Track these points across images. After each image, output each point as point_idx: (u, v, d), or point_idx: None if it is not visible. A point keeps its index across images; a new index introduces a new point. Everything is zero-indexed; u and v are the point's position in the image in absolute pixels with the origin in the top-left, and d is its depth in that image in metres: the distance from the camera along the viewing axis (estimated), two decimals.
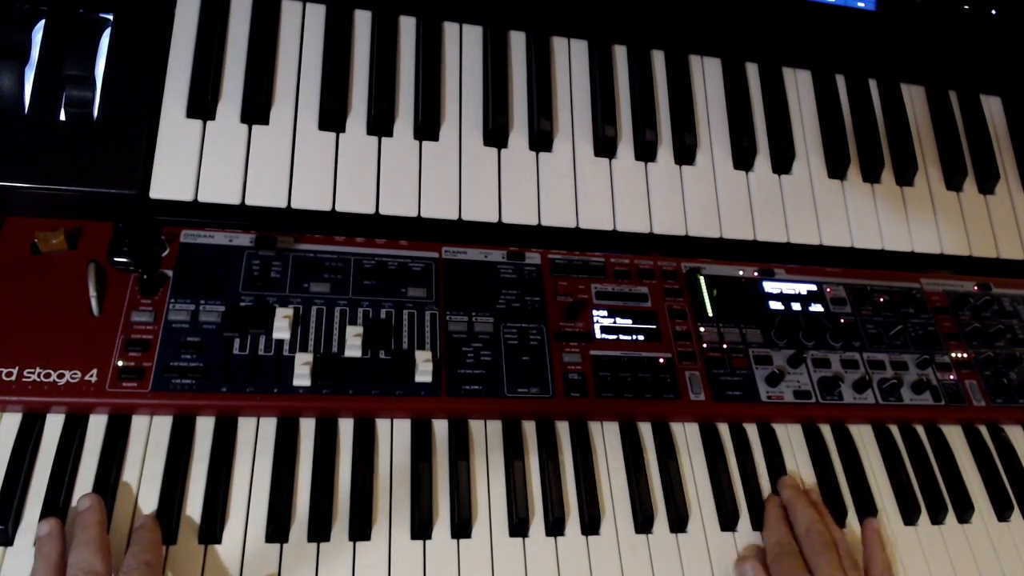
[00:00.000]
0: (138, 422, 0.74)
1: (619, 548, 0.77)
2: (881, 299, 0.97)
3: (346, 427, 0.78)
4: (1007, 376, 0.95)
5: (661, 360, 0.86)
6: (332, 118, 0.79)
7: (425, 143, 0.82)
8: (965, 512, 0.88)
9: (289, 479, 0.73)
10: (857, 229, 0.91)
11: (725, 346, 0.89)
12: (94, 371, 0.73)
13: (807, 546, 0.76)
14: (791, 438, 0.88)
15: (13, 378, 0.71)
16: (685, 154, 0.89)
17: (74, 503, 0.69)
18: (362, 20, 0.85)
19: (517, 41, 0.89)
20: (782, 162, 0.92)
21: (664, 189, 0.87)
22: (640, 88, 0.90)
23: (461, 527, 0.74)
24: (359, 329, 0.80)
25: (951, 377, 0.94)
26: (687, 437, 0.85)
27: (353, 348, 0.79)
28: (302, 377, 0.76)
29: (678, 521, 0.79)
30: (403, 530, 0.73)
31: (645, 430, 0.84)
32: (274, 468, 0.74)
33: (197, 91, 0.76)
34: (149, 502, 0.70)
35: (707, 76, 0.94)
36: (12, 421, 0.72)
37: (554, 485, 0.78)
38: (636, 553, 0.76)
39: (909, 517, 0.86)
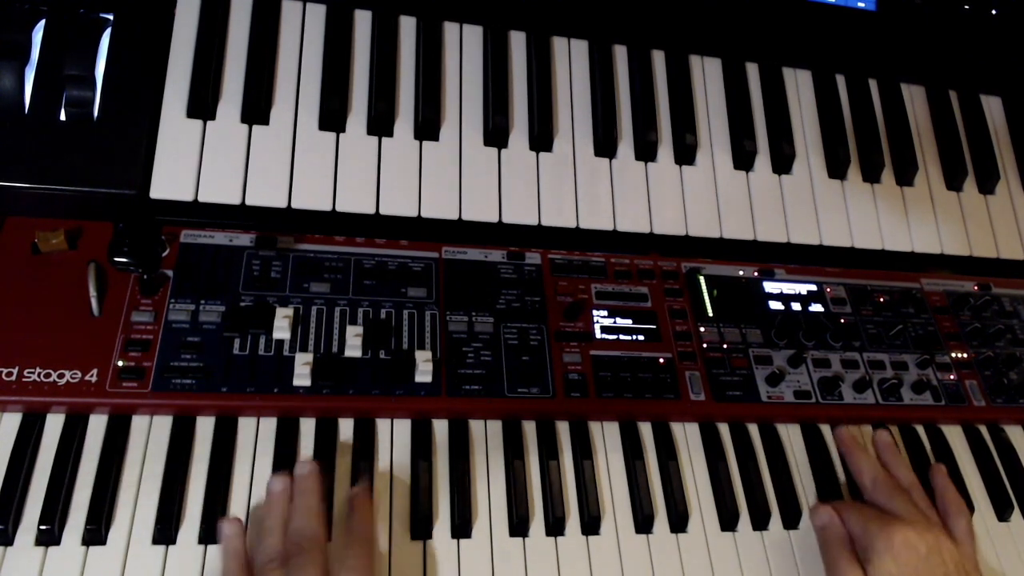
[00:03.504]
0: (138, 422, 0.74)
1: (619, 548, 0.77)
2: (881, 299, 0.97)
3: (346, 427, 0.78)
4: (1007, 376, 0.95)
5: (661, 360, 0.86)
6: (332, 118, 0.79)
7: (425, 143, 0.82)
8: None
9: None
10: (857, 229, 0.91)
11: (725, 346, 0.89)
12: (94, 371, 0.73)
13: (879, 494, 0.81)
14: (791, 438, 0.88)
15: (13, 378, 0.71)
16: (685, 154, 0.89)
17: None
18: (362, 20, 0.85)
19: (517, 41, 0.89)
20: (782, 162, 0.92)
21: (664, 189, 0.87)
22: (640, 88, 0.90)
23: (461, 527, 0.74)
24: (359, 329, 0.80)
25: (951, 377, 0.94)
26: (687, 437, 0.85)
27: (353, 348, 0.79)
28: (302, 377, 0.76)
29: (678, 521, 0.79)
30: (403, 530, 0.73)
31: (645, 430, 0.84)
32: (274, 468, 0.73)
33: (197, 91, 0.76)
34: (149, 502, 0.70)
35: (707, 76, 0.94)
36: (12, 421, 0.72)
37: (554, 485, 0.78)
38: (636, 553, 0.76)
39: None
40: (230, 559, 0.67)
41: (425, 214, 0.79)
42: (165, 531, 0.69)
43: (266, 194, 0.76)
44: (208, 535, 0.69)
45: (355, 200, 0.78)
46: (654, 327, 0.88)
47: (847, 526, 0.78)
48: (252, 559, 0.67)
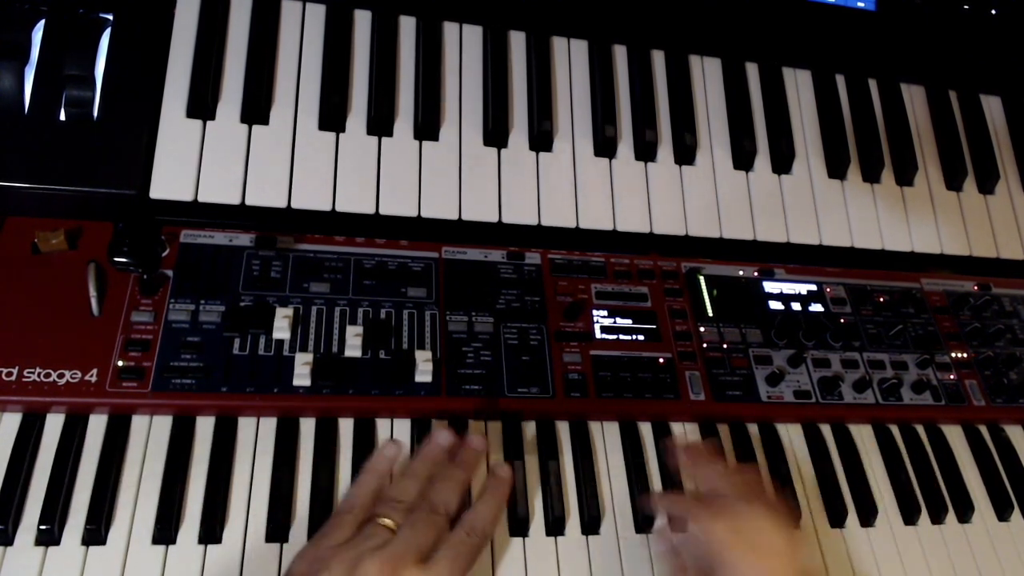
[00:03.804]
0: (138, 422, 0.74)
1: (619, 548, 0.76)
2: (881, 299, 0.97)
3: (346, 427, 0.78)
4: (1007, 376, 0.95)
5: (661, 360, 0.86)
6: (332, 118, 0.79)
7: (425, 143, 0.82)
8: (965, 512, 0.88)
9: (289, 479, 0.73)
10: (857, 229, 0.91)
11: (725, 346, 0.89)
12: (94, 371, 0.73)
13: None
14: (791, 438, 0.88)
15: (13, 378, 0.71)
16: (685, 154, 0.89)
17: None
18: (362, 20, 0.85)
19: (517, 41, 0.89)
20: (782, 162, 0.92)
21: (664, 189, 0.87)
22: (640, 88, 0.90)
23: None
24: (359, 329, 0.80)
25: (951, 377, 0.94)
26: (687, 437, 0.85)
27: (353, 348, 0.79)
28: (302, 377, 0.76)
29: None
30: None
31: (645, 430, 0.84)
32: (274, 468, 0.73)
33: (197, 91, 0.76)
34: (149, 502, 0.70)
35: (707, 76, 0.94)
36: (12, 421, 0.72)
37: (554, 485, 0.78)
38: (636, 553, 0.76)
39: (909, 517, 0.86)
40: (369, 475, 0.69)
41: (425, 214, 0.79)
42: (165, 531, 0.68)
43: (266, 194, 0.76)
44: (208, 535, 0.69)
45: (355, 200, 0.78)
46: (654, 327, 0.88)
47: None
48: (381, 493, 0.67)
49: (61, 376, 0.72)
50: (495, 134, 0.84)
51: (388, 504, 0.65)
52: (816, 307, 0.94)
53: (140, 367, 0.74)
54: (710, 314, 0.91)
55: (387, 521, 0.63)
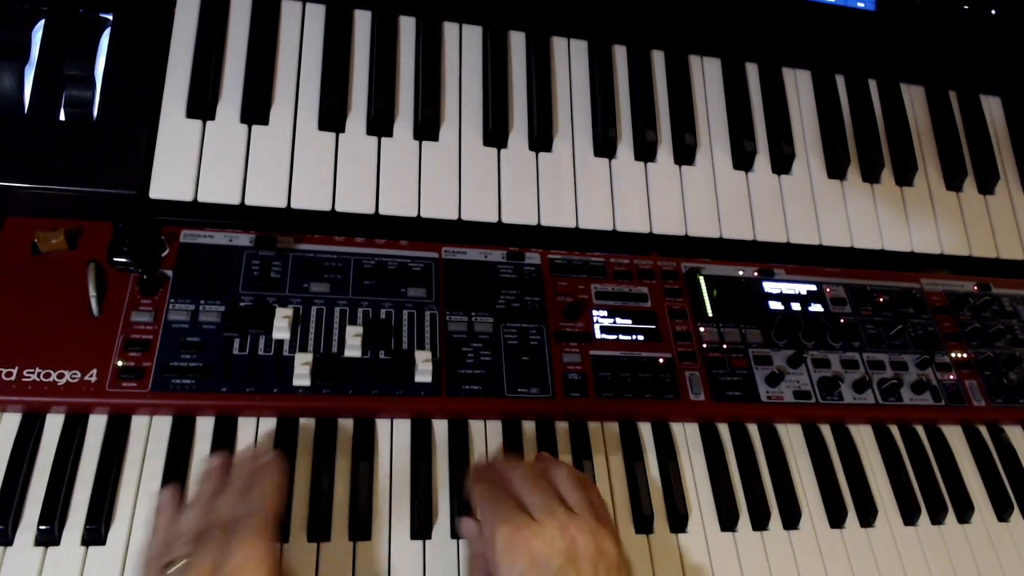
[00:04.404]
0: (138, 422, 0.74)
1: None
2: (881, 299, 0.97)
3: (346, 427, 0.78)
4: (1007, 376, 0.95)
5: (661, 360, 0.86)
6: (332, 118, 0.79)
7: (425, 143, 0.82)
8: (965, 512, 0.88)
9: (289, 479, 0.73)
10: (857, 229, 0.91)
11: (725, 346, 0.89)
12: (94, 371, 0.73)
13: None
14: (791, 438, 0.88)
15: (13, 378, 0.71)
16: (685, 154, 0.89)
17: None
18: (362, 20, 0.85)
19: (517, 41, 0.89)
20: (782, 162, 0.92)
21: (664, 189, 0.87)
22: (640, 88, 0.90)
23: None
24: (359, 329, 0.80)
25: (951, 377, 0.94)
26: (687, 437, 0.85)
27: (353, 348, 0.79)
28: (302, 377, 0.76)
29: (678, 521, 0.79)
30: (403, 530, 0.73)
31: (645, 430, 0.84)
32: None
33: (197, 91, 0.76)
34: (149, 502, 0.70)
35: (707, 76, 0.94)
36: (12, 421, 0.72)
37: None
38: (636, 553, 0.76)
39: (909, 517, 0.86)
40: (156, 531, 0.66)
41: (425, 214, 0.79)
42: None
43: (266, 194, 0.76)
44: None
45: (355, 200, 0.78)
46: (654, 327, 0.88)
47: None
48: (169, 535, 0.64)
49: (61, 376, 0.72)
50: (495, 134, 0.84)
51: (175, 543, 0.62)
52: (816, 307, 0.94)
53: (140, 367, 0.74)
54: (710, 314, 0.91)
55: (178, 556, 0.60)
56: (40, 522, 0.67)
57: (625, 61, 0.92)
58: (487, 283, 0.86)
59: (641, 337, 0.87)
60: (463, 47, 0.87)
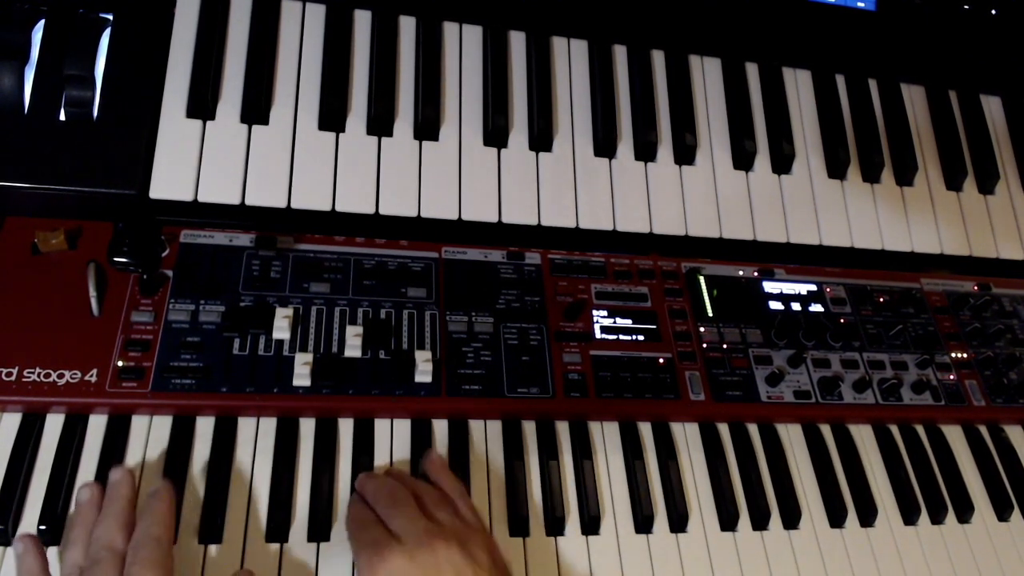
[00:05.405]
0: (138, 422, 0.74)
1: (619, 548, 0.77)
2: (881, 299, 0.97)
3: (346, 427, 0.78)
4: (1007, 376, 0.95)
5: (661, 360, 0.86)
6: (332, 118, 0.79)
7: (425, 143, 0.82)
8: (965, 512, 0.88)
9: (289, 479, 0.73)
10: (857, 229, 0.91)
11: (725, 346, 0.89)
12: (94, 371, 0.73)
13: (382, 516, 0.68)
14: (791, 438, 0.88)
15: (13, 378, 0.71)
16: (685, 154, 0.89)
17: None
18: (362, 20, 0.85)
19: (517, 41, 0.89)
20: (782, 162, 0.92)
21: (664, 189, 0.87)
22: (640, 88, 0.90)
23: None
24: (359, 329, 0.80)
25: (951, 377, 0.94)
26: (687, 437, 0.85)
27: (353, 348, 0.79)
28: (302, 377, 0.76)
29: (678, 521, 0.79)
30: None
31: (645, 430, 0.84)
32: (274, 468, 0.74)
33: (197, 91, 0.76)
34: None
35: (707, 76, 0.94)
36: (12, 421, 0.72)
37: (554, 485, 0.78)
38: (636, 553, 0.76)
39: (909, 517, 0.86)
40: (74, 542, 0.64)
41: (425, 214, 0.79)
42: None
43: (266, 194, 0.76)
44: (207, 535, 0.69)
45: (355, 200, 0.78)
46: (654, 327, 0.88)
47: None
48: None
49: (61, 376, 0.72)
50: (495, 134, 0.84)
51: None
52: (816, 307, 0.94)
53: (140, 367, 0.74)
54: (710, 314, 0.91)
55: None
56: (40, 522, 0.67)
57: (625, 61, 0.92)
58: (487, 283, 0.86)
59: (641, 337, 0.87)
60: (463, 47, 0.87)
